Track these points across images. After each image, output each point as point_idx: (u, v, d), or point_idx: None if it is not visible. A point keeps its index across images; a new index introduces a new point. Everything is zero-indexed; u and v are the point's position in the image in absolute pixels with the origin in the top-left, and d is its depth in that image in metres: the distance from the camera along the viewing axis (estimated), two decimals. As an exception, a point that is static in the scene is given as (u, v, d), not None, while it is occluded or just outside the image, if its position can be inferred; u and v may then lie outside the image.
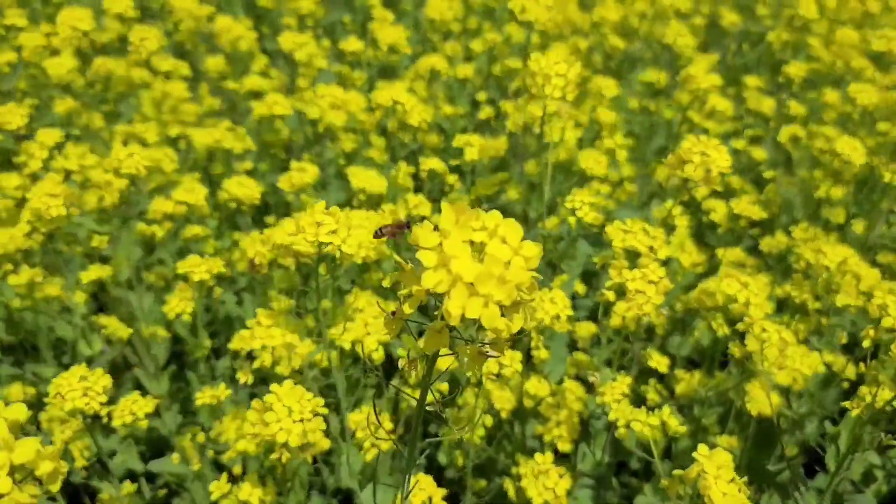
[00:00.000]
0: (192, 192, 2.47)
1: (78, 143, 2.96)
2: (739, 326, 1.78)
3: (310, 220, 1.40)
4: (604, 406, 1.81)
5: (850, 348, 2.50)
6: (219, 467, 2.26)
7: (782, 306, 2.43)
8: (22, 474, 0.89)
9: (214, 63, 3.36)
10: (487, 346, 0.89)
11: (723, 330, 1.81)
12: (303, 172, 2.44)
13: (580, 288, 2.48)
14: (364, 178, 2.33)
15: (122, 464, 2.12)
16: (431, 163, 2.74)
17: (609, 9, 3.41)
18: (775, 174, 3.08)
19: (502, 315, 0.80)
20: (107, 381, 1.74)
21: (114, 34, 3.62)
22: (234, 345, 1.75)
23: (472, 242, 0.79)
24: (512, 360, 1.79)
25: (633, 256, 1.80)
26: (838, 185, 2.72)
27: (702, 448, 1.37)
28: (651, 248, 1.78)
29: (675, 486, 1.45)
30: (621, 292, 1.70)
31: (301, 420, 1.42)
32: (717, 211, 2.76)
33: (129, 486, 2.04)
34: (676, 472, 1.45)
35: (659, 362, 2.09)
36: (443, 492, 1.54)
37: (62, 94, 3.17)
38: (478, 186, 2.63)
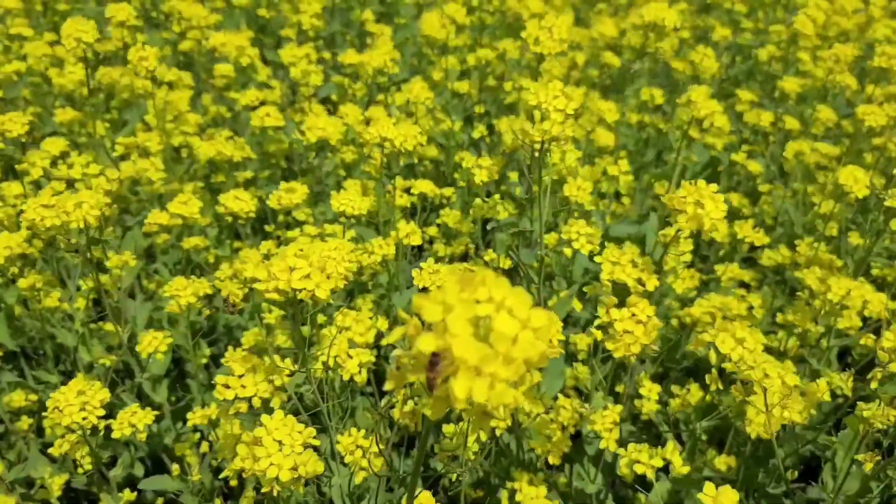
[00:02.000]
0: (187, 204, 2.49)
1: (81, 152, 3.00)
2: (732, 370, 1.69)
3: (281, 266, 1.37)
4: (595, 433, 1.81)
5: (847, 363, 2.53)
6: (217, 474, 2.27)
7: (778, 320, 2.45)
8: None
9: (220, 70, 3.37)
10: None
11: (716, 385, 1.78)
12: (291, 193, 2.44)
13: (577, 305, 2.49)
14: (345, 200, 2.31)
15: (123, 472, 2.13)
16: (422, 186, 2.73)
17: (606, 25, 3.44)
18: (771, 187, 3.10)
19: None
20: (104, 394, 1.74)
21: (118, 43, 3.65)
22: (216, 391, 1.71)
23: (477, 317, 0.74)
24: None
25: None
26: (839, 205, 2.73)
27: (708, 488, 1.35)
28: (639, 281, 1.74)
29: None
30: (609, 330, 1.66)
31: (292, 453, 1.38)
32: (720, 231, 2.77)
33: (128, 495, 2.04)
34: None
35: (650, 390, 2.11)
36: None
37: (65, 103, 3.20)
38: (476, 209, 2.63)
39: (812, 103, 3.27)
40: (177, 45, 3.79)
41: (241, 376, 1.55)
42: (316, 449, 1.45)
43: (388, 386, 0.87)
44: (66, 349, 2.58)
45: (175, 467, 2.15)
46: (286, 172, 3.40)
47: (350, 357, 1.81)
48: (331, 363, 1.79)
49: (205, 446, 2.20)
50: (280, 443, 1.38)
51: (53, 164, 2.66)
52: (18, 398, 2.33)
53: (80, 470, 2.02)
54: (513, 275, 2.72)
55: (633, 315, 1.64)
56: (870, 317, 2.15)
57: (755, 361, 1.59)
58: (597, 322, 1.67)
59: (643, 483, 2.38)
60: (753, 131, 3.29)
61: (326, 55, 3.79)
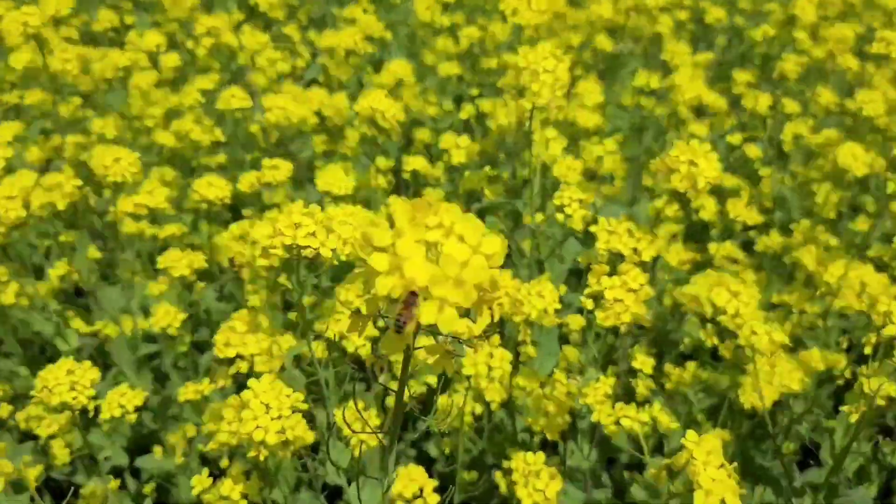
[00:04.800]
0: (152, 194, 2.39)
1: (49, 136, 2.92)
2: (727, 324, 1.70)
3: (287, 223, 1.34)
4: (588, 406, 1.77)
5: (847, 348, 2.49)
6: (206, 461, 2.22)
7: (775, 305, 2.41)
8: None
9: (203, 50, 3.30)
10: (454, 342, 0.84)
11: (711, 340, 1.76)
12: (275, 170, 2.37)
13: (563, 289, 2.44)
14: (330, 180, 2.25)
15: (108, 459, 2.08)
16: (416, 163, 2.66)
17: (603, 6, 3.38)
18: (770, 171, 3.06)
19: (465, 316, 0.76)
20: (94, 374, 1.70)
21: (107, 24, 3.59)
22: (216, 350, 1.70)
23: (428, 242, 0.74)
24: (501, 361, 1.74)
25: (617, 258, 1.74)
26: (837, 189, 2.70)
27: (690, 434, 1.33)
28: (635, 251, 1.72)
29: (664, 476, 1.42)
30: (600, 299, 1.63)
31: (279, 417, 1.37)
32: (707, 209, 2.73)
33: (113, 483, 1.99)
34: (664, 461, 1.41)
35: (644, 363, 2.04)
36: (433, 483, 1.50)
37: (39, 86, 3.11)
38: (465, 181, 2.58)
39: (812, 84, 3.23)
40: (162, 25, 3.71)
41: (243, 333, 1.53)
42: (312, 421, 1.42)
43: (346, 331, 0.88)
44: (30, 342, 2.51)
45: (157, 449, 2.08)
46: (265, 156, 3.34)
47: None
48: (334, 336, 1.74)
49: (192, 429, 2.14)
50: (267, 406, 1.35)
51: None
52: None
53: (58, 460, 1.97)
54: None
55: (624, 283, 1.60)
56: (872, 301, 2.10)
57: (750, 315, 1.55)
58: (587, 291, 1.64)
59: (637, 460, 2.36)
60: (751, 115, 3.26)
61: (312, 35, 3.73)
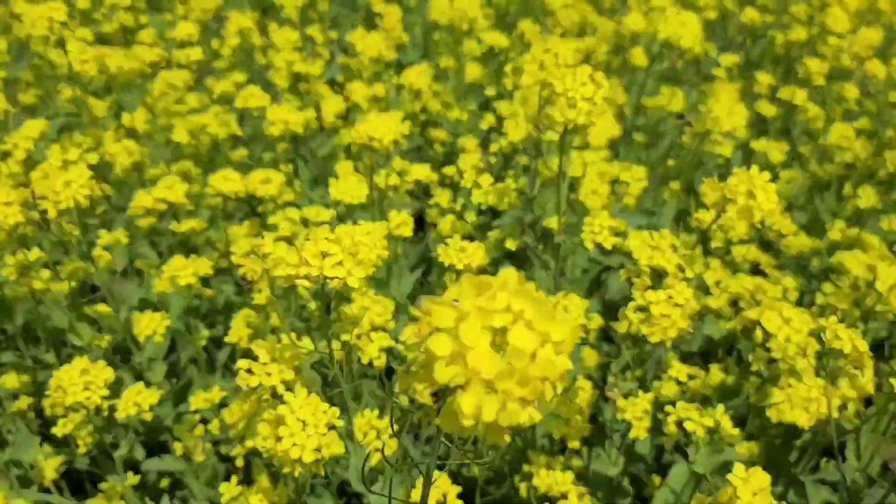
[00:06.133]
0: (171, 188, 2.41)
1: (80, 133, 2.92)
2: (778, 351, 1.63)
3: (313, 252, 1.28)
4: (625, 422, 1.75)
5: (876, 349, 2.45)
6: (221, 457, 2.21)
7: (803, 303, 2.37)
8: None
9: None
10: None
11: (758, 365, 1.70)
12: (267, 184, 2.38)
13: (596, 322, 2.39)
14: (343, 189, 2.21)
15: (126, 451, 2.07)
16: (419, 172, 2.60)
17: (635, 19, 3.34)
18: (792, 175, 3.02)
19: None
20: (108, 374, 1.71)
21: (117, 24, 3.59)
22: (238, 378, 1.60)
23: (493, 327, 0.68)
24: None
25: (658, 272, 1.71)
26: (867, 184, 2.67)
27: (738, 469, 1.29)
28: (680, 267, 1.68)
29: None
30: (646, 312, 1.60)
31: (315, 434, 1.34)
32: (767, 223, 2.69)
33: (131, 478, 1.98)
34: (706, 499, 1.38)
35: (679, 371, 2.02)
36: (457, 489, 1.46)
37: (67, 84, 3.12)
38: (488, 195, 2.54)
39: (836, 85, 3.19)
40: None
41: (265, 364, 1.49)
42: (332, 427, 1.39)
43: (399, 387, 0.81)
44: (61, 332, 2.50)
45: (178, 445, 2.07)
46: (290, 154, 3.33)
47: (371, 340, 1.76)
48: (353, 343, 1.72)
49: (200, 429, 2.12)
50: (304, 423, 1.32)
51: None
52: (11, 380, 2.25)
53: (80, 450, 1.96)
54: (521, 258, 2.65)
55: (670, 298, 1.58)
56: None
57: (803, 342, 1.52)
58: (632, 304, 1.61)
59: (662, 466, 2.32)
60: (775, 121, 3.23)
61: (333, 35, 3.72)
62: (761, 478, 1.28)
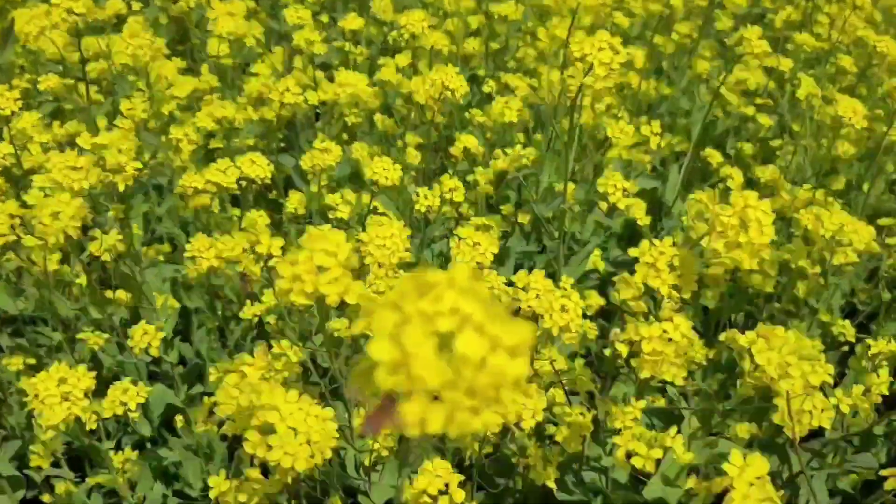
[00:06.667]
0: (226, 172, 2.31)
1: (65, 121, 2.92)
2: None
3: (308, 267, 1.14)
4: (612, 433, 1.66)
5: (848, 315, 2.53)
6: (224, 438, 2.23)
7: (782, 270, 2.44)
8: None
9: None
10: None
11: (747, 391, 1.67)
12: (326, 153, 2.35)
13: (600, 264, 2.37)
14: (378, 168, 2.19)
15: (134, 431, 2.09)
16: (467, 140, 2.61)
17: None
18: (782, 142, 3.09)
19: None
20: (88, 382, 1.56)
21: (111, 11, 3.57)
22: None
23: (438, 332, 0.62)
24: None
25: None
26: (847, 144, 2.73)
27: (734, 456, 1.21)
28: (675, 287, 1.51)
29: (702, 491, 1.36)
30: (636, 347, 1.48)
31: (308, 442, 1.26)
32: (735, 179, 2.75)
33: (129, 453, 1.95)
34: (704, 483, 1.34)
35: (675, 375, 2.02)
36: (459, 477, 1.41)
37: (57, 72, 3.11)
38: (499, 161, 2.58)
39: (828, 60, 3.25)
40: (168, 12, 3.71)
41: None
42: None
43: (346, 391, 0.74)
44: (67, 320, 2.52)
45: (178, 418, 2.09)
46: (285, 141, 3.35)
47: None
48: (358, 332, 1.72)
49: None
50: (295, 431, 1.26)
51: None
52: (16, 362, 2.23)
53: (88, 426, 1.94)
54: (530, 230, 2.69)
55: (664, 333, 1.43)
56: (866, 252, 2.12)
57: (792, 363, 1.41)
58: (622, 336, 1.50)
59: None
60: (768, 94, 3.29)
61: (325, 18, 3.73)
62: (759, 465, 1.21)
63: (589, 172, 2.65)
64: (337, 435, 1.33)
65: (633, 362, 1.48)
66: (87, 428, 1.77)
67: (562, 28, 2.80)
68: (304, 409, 1.28)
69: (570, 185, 2.15)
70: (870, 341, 2.00)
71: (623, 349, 1.49)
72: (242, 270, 2.15)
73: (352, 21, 3.21)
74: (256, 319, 2.23)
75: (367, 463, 1.68)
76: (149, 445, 2.29)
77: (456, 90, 2.12)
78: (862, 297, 2.69)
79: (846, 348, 2.36)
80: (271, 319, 2.17)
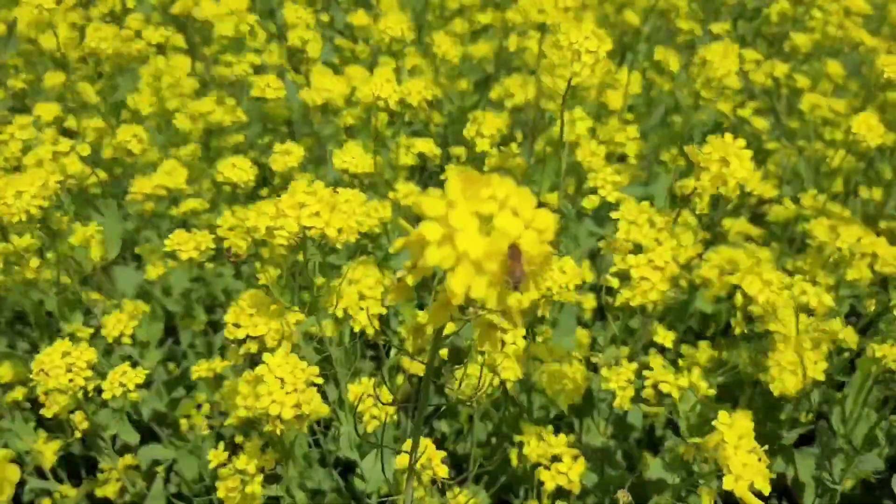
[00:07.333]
0: (172, 174, 2.39)
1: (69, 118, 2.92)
2: (759, 313, 1.70)
3: (291, 203, 1.33)
4: (610, 391, 1.78)
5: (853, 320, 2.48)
6: (219, 437, 2.23)
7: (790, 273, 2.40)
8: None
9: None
10: (498, 316, 0.83)
11: (741, 328, 1.74)
12: (287, 155, 2.35)
13: (588, 276, 2.42)
14: (347, 158, 2.22)
15: (117, 437, 2.09)
16: (423, 146, 2.57)
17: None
18: (778, 145, 3.05)
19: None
20: (91, 355, 1.69)
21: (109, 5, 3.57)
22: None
23: (480, 214, 0.72)
24: (515, 337, 1.75)
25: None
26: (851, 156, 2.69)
27: (722, 416, 1.32)
28: (657, 241, 1.71)
29: (692, 454, 1.44)
30: (625, 278, 1.66)
31: (295, 391, 1.37)
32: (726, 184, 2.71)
33: (128, 459, 2.00)
34: (694, 439, 1.42)
35: (665, 337, 2.06)
36: (441, 454, 1.50)
37: (56, 69, 3.11)
38: (492, 158, 2.56)
39: (822, 59, 3.20)
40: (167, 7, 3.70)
41: (251, 315, 1.52)
42: (325, 397, 1.42)
43: (390, 300, 0.87)
44: (53, 318, 2.52)
45: (183, 421, 2.09)
46: (286, 138, 3.33)
47: (361, 309, 1.78)
48: (339, 314, 1.74)
49: (205, 409, 2.16)
50: (282, 380, 1.36)
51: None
52: (6, 371, 2.21)
53: (76, 433, 1.98)
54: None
55: (650, 261, 1.62)
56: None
57: (782, 304, 1.59)
58: (612, 269, 1.65)
59: (653, 443, 2.35)
60: (764, 92, 3.24)
61: (325, 17, 3.71)
62: (745, 423, 1.33)
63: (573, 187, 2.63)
64: (322, 381, 1.41)
65: (624, 293, 1.64)
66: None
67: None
68: (290, 363, 1.38)
69: (554, 195, 2.15)
70: (874, 346, 1.94)
71: (614, 282, 1.67)
72: (227, 246, 2.14)
73: (359, 17, 3.21)
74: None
75: (368, 429, 1.72)
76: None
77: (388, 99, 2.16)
78: (866, 303, 2.64)
79: (847, 354, 2.32)
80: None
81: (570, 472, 1.61)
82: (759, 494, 1.27)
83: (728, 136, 1.64)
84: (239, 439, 2.00)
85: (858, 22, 3.07)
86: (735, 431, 1.29)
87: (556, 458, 1.63)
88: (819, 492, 1.94)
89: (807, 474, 2.02)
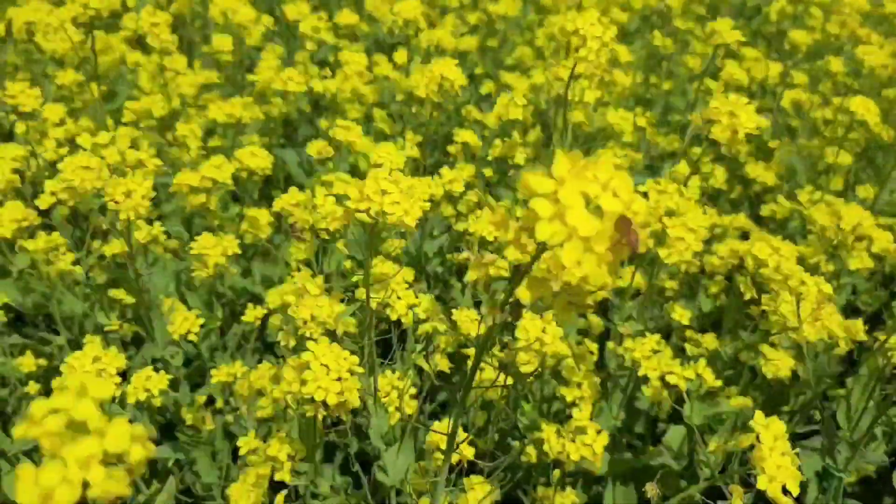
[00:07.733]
0: (219, 168, 2.33)
1: (78, 118, 2.92)
2: (771, 276, 1.78)
3: (374, 188, 1.36)
4: (633, 362, 1.84)
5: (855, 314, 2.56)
6: (229, 436, 2.26)
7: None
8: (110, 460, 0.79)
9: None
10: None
11: (750, 292, 1.84)
12: (347, 130, 2.41)
13: None
14: (384, 153, 2.19)
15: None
16: (466, 135, 2.68)
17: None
18: (778, 143, 3.11)
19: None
20: (120, 361, 1.71)
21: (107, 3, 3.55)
22: (272, 304, 1.79)
23: (585, 194, 0.75)
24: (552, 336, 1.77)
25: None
26: (845, 151, 2.75)
27: (758, 416, 1.34)
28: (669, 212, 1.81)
29: (721, 450, 1.44)
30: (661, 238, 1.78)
31: (339, 379, 1.41)
32: (717, 176, 2.79)
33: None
34: (723, 439, 1.43)
35: (681, 315, 2.15)
36: (466, 435, 1.56)
37: (56, 69, 3.10)
38: (500, 147, 2.60)
39: (823, 57, 3.27)
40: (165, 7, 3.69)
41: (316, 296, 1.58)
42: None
43: (470, 276, 0.92)
44: (73, 317, 2.53)
45: (193, 416, 2.12)
46: (284, 138, 3.36)
47: (399, 298, 1.83)
48: (382, 300, 1.80)
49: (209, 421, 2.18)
50: (327, 367, 1.40)
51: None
52: (28, 363, 2.24)
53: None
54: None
55: (685, 223, 1.76)
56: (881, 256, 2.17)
57: (791, 269, 1.69)
58: (648, 229, 1.71)
59: (657, 437, 2.41)
60: (762, 88, 3.30)
61: (323, 16, 3.72)
62: (779, 425, 1.34)
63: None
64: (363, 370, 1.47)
65: (661, 252, 1.76)
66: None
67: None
68: (335, 352, 1.43)
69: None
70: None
71: (650, 242, 1.76)
72: (293, 222, 2.11)
73: (346, 16, 3.23)
74: (259, 322, 2.24)
75: (391, 423, 1.75)
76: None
77: (455, 81, 2.19)
78: (865, 299, 2.72)
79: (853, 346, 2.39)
80: (276, 320, 2.18)
81: (595, 444, 1.65)
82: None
83: (732, 96, 1.78)
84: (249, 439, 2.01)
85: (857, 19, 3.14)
86: (771, 432, 1.30)
87: (580, 430, 1.67)
88: (824, 486, 2.00)
89: (810, 471, 2.08)
